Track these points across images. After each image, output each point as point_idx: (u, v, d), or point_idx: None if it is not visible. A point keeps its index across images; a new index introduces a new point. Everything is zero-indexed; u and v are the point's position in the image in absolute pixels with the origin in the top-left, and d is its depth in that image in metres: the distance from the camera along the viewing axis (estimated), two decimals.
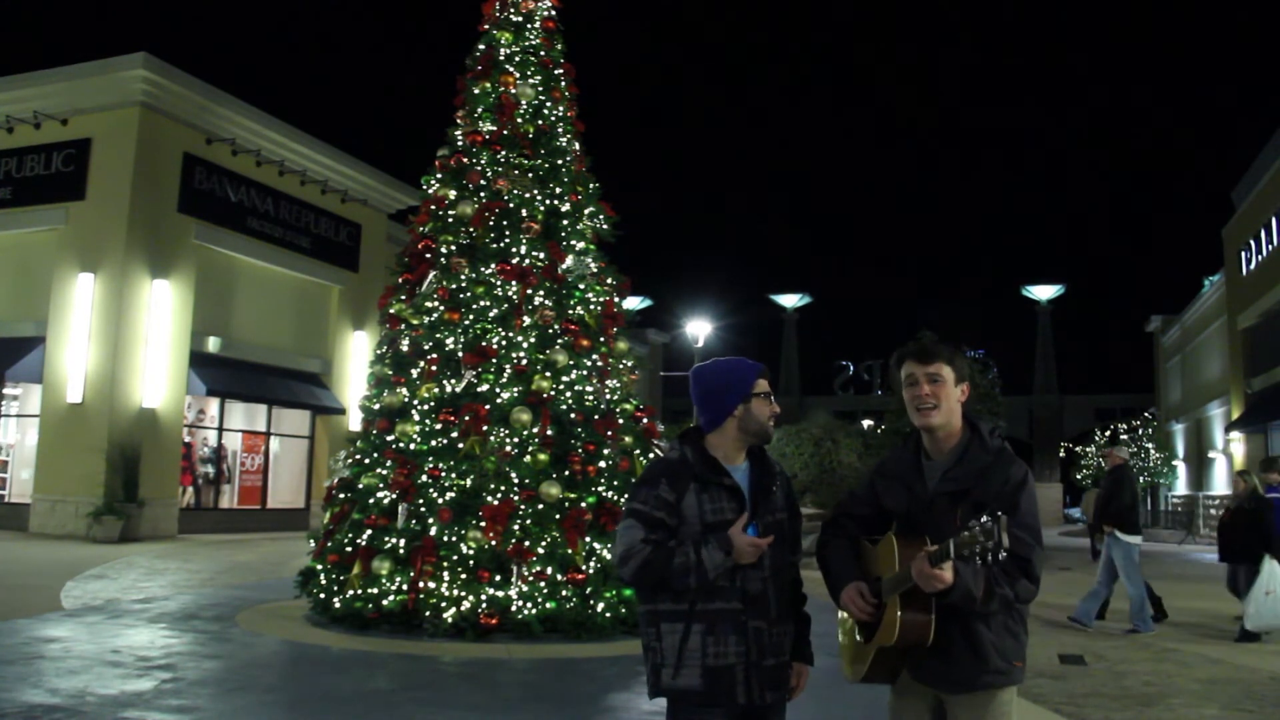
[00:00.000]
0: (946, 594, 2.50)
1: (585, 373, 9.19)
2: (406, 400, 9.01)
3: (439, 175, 9.97)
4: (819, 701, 5.66)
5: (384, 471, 8.76)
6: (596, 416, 9.04)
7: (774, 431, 2.92)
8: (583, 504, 8.49)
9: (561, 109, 10.25)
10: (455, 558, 8.09)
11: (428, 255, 9.57)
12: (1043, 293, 52.26)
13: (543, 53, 10.32)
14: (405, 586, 8.09)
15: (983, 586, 2.51)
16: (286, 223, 22.27)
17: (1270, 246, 25.38)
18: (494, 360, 8.92)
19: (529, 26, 10.33)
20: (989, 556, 2.36)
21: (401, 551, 8.28)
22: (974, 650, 2.61)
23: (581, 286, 9.54)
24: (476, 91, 10.06)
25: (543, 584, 8.07)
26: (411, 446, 8.75)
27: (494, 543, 8.09)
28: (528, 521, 8.23)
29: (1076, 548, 23.07)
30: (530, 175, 9.76)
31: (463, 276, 9.25)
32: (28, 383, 19.33)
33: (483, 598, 7.92)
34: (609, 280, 9.87)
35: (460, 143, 10.00)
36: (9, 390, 19.87)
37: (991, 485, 2.64)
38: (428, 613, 7.94)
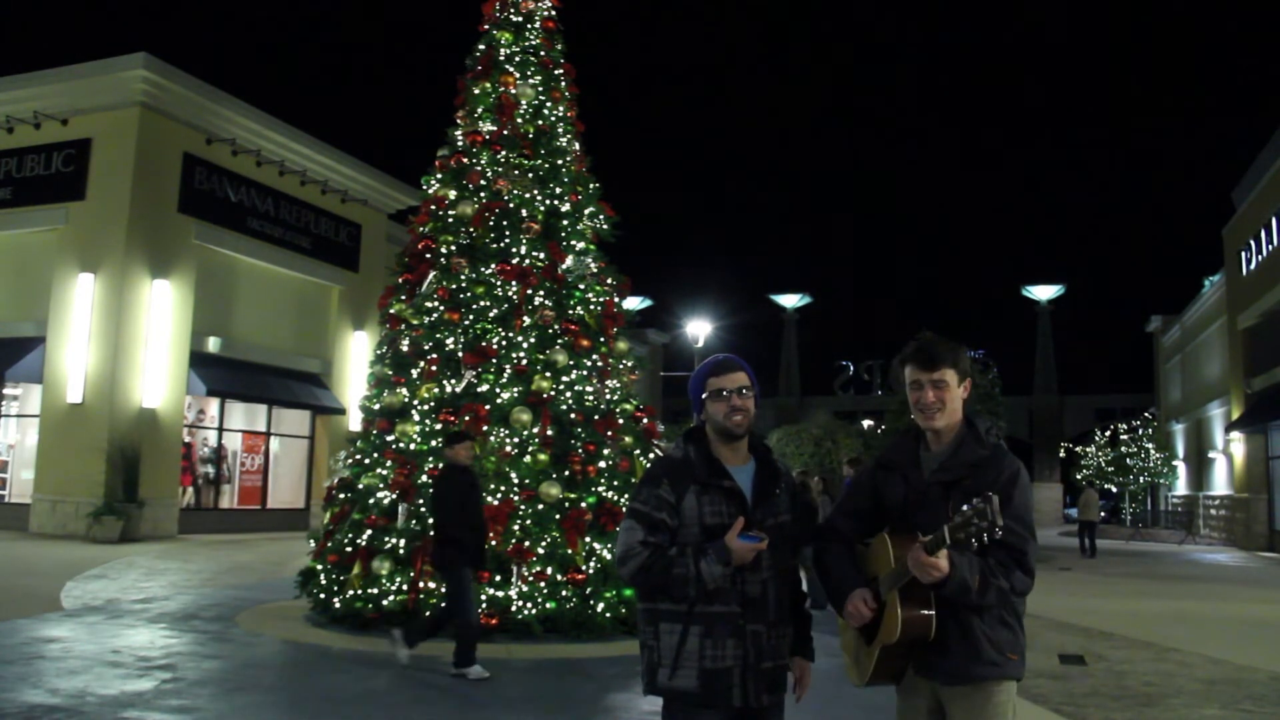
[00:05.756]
0: (943, 585, 2.52)
1: (585, 373, 9.19)
2: (406, 400, 9.01)
3: (439, 175, 9.97)
4: (819, 701, 5.66)
5: (384, 471, 8.76)
6: (596, 416, 9.04)
7: (741, 427, 2.80)
8: (583, 504, 8.49)
9: (561, 109, 10.24)
10: None
11: (428, 255, 9.57)
12: (1043, 293, 52.17)
13: (543, 53, 10.32)
14: (405, 586, 8.09)
15: (978, 577, 2.53)
16: (286, 223, 22.27)
17: (1270, 246, 25.34)
18: (494, 360, 8.92)
19: (529, 26, 10.32)
20: (984, 536, 2.40)
21: (401, 551, 8.28)
22: (967, 640, 2.63)
23: (581, 286, 9.54)
24: (476, 92, 10.06)
25: (543, 584, 8.07)
26: (411, 446, 8.75)
27: (494, 543, 8.08)
28: (528, 521, 8.23)
29: (1077, 547, 23.04)
30: (530, 175, 9.75)
31: (463, 276, 9.25)
32: (28, 383, 19.33)
33: (483, 598, 7.92)
34: (609, 280, 9.87)
35: (460, 143, 9.99)
36: (9, 390, 19.87)
37: (985, 478, 2.67)
38: (428, 613, 7.93)
